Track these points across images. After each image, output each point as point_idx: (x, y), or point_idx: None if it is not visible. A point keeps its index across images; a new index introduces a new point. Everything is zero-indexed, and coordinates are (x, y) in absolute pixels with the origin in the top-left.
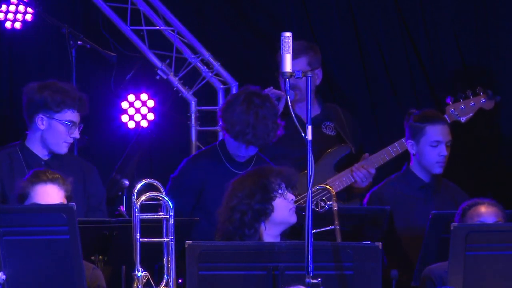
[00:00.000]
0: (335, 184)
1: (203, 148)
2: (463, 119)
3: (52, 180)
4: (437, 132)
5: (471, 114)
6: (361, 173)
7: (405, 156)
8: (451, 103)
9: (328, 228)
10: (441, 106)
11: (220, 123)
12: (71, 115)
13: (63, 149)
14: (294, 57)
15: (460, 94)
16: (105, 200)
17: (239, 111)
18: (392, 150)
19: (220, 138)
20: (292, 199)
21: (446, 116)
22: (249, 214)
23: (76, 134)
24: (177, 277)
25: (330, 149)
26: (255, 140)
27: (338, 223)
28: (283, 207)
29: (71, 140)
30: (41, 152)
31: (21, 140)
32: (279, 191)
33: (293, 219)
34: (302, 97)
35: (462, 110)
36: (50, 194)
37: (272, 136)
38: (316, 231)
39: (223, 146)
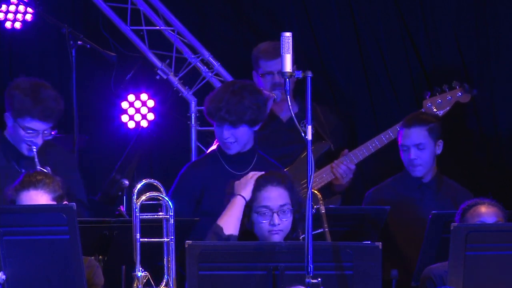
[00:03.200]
0: (316, 181)
1: (205, 153)
2: (440, 113)
3: (35, 186)
4: (403, 136)
5: (448, 108)
6: (341, 169)
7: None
8: (428, 98)
9: (317, 231)
10: None
11: (204, 109)
12: (30, 123)
13: (24, 151)
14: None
15: (437, 88)
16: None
17: (219, 90)
18: (371, 146)
19: None
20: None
21: (423, 110)
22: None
23: (38, 140)
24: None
25: None
26: (228, 115)
27: (326, 225)
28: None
29: (33, 145)
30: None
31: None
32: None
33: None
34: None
35: (439, 104)
36: (34, 200)
37: (249, 116)
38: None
39: (221, 148)
